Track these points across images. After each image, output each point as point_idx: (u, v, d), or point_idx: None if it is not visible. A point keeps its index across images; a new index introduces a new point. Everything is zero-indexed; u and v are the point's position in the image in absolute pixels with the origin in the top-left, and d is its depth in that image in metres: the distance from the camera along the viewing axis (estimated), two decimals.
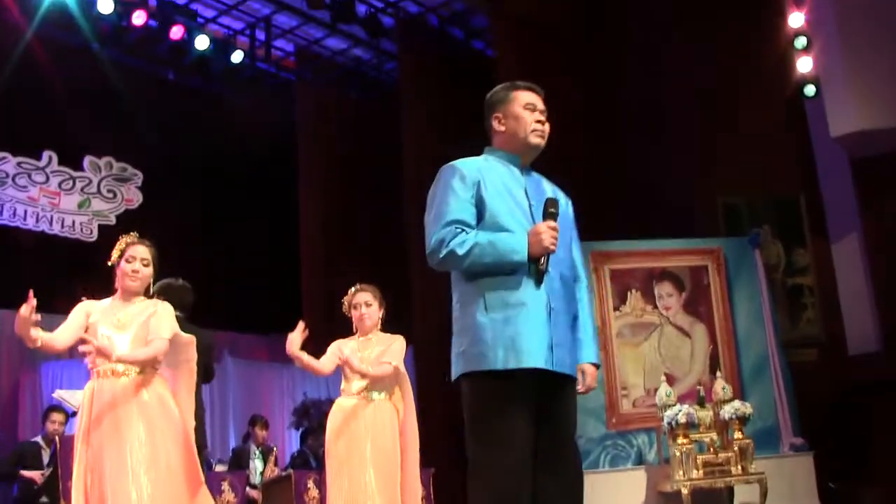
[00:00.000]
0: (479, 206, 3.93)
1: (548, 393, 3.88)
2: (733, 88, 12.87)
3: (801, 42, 12.58)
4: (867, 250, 12.37)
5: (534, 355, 3.79)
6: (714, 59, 13.08)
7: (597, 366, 4.18)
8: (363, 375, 6.91)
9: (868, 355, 12.11)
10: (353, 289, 7.25)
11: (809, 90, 12.49)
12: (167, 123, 14.86)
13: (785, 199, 12.93)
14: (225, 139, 15.49)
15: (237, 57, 14.46)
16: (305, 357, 6.86)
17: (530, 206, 4.04)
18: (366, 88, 16.78)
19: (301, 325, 6.74)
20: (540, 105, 4.26)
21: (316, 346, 14.36)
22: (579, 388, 4.13)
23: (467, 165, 4.04)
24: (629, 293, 11.11)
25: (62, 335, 5.29)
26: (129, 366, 5.32)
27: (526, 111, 4.18)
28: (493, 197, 3.95)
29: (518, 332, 3.79)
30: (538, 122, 4.20)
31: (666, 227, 11.99)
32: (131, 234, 5.68)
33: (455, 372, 3.92)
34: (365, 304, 7.14)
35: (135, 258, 5.53)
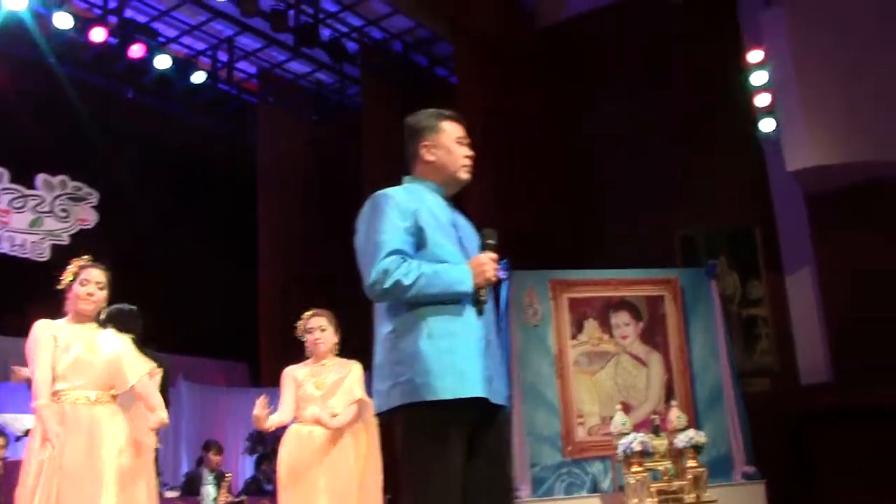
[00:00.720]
0: (418, 236, 3.88)
1: (482, 424, 3.85)
2: (692, 121, 13.04)
3: (759, 78, 12.71)
4: (820, 283, 12.53)
5: (478, 385, 3.77)
6: (673, 93, 13.24)
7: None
8: (331, 428, 6.90)
9: (820, 385, 12.26)
10: (307, 314, 7.25)
11: (767, 125, 12.62)
12: (125, 142, 14.70)
13: (741, 231, 13.08)
14: (184, 160, 15.41)
15: (198, 77, 14.35)
16: (276, 423, 6.86)
17: (459, 237, 4.03)
18: (328, 113, 16.77)
19: (260, 401, 6.70)
20: (467, 138, 4.23)
21: (271, 372, 14.29)
22: None
23: (401, 195, 3.98)
24: (586, 322, 11.16)
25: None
26: (103, 394, 5.33)
27: (457, 144, 4.15)
28: (431, 228, 3.91)
29: (462, 361, 3.76)
30: (467, 157, 4.17)
31: (623, 257, 12.10)
32: (84, 256, 5.68)
33: (389, 403, 3.80)
34: (319, 328, 7.12)
35: (89, 281, 5.54)
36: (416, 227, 3.88)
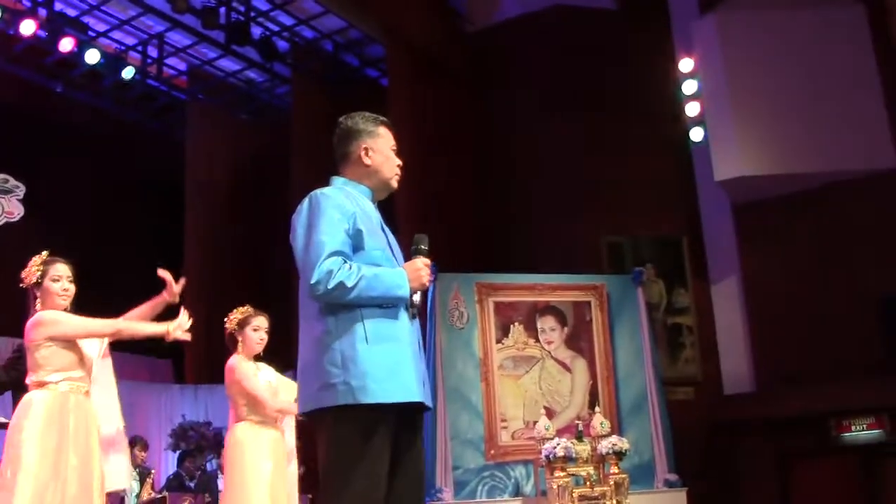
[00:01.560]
0: (356, 238, 3.88)
1: (407, 426, 3.86)
2: (622, 129, 13.10)
3: (689, 87, 12.82)
4: (746, 293, 12.67)
5: (413, 389, 3.79)
6: (603, 100, 13.29)
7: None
8: (285, 413, 6.76)
9: (742, 396, 12.40)
10: (249, 309, 6.97)
11: (697, 134, 12.73)
12: (54, 136, 14.56)
13: (668, 240, 13.18)
14: (113, 155, 15.25)
15: (128, 73, 14.17)
16: (285, 409, 6.70)
17: (388, 242, 4.03)
18: (257, 111, 16.68)
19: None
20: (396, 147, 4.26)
21: (196, 369, 14.14)
22: None
23: (339, 196, 3.96)
24: (512, 326, 11.18)
25: None
26: (88, 386, 5.44)
27: (392, 153, 4.16)
28: (368, 231, 3.91)
29: (399, 365, 3.78)
30: (399, 166, 4.19)
31: (550, 263, 12.15)
32: (43, 252, 5.64)
33: (318, 403, 3.76)
34: (265, 329, 6.98)
35: (60, 276, 5.54)
36: (355, 230, 3.88)
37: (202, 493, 10.55)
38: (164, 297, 5.87)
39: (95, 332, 5.57)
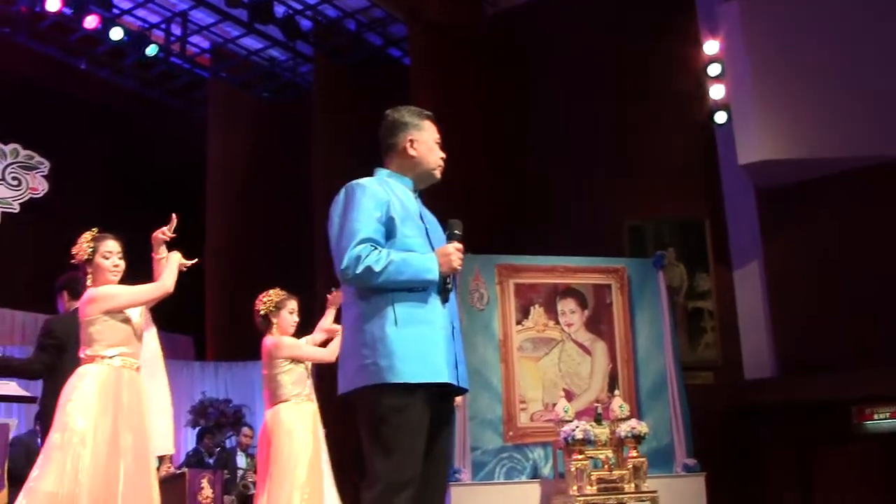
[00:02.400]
0: (389, 226, 4.00)
1: (442, 408, 3.98)
2: (644, 112, 13.02)
3: (714, 69, 12.74)
4: (767, 278, 12.59)
5: (442, 370, 3.88)
6: (626, 81, 13.22)
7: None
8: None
9: (763, 381, 12.33)
10: (282, 292, 7.17)
11: (720, 117, 12.65)
12: (78, 113, 14.63)
13: (690, 224, 13.09)
14: (135, 132, 15.29)
15: (151, 51, 14.23)
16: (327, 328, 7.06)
17: (426, 229, 4.13)
18: (279, 90, 16.71)
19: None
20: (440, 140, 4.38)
21: (216, 346, 14.17)
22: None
23: (374, 185, 4.09)
24: (532, 308, 11.16)
25: None
26: (139, 362, 5.56)
27: (436, 145, 4.30)
28: (401, 219, 4.02)
29: (428, 347, 3.88)
30: (442, 158, 4.32)
31: (571, 245, 12.09)
32: (93, 229, 5.70)
33: (354, 384, 3.90)
34: (297, 312, 7.13)
35: (111, 253, 5.63)
36: (388, 218, 4.00)
37: (221, 469, 10.60)
38: (159, 238, 5.84)
39: (149, 297, 5.66)
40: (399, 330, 3.86)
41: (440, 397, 3.94)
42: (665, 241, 12.80)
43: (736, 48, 12.37)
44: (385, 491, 3.74)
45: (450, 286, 4.01)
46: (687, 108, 13.02)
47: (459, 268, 4.00)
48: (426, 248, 4.02)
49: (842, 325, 11.85)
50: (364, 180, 4.11)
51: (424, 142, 4.25)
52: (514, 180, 13.53)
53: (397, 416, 3.79)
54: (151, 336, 6.16)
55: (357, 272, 3.86)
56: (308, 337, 7.19)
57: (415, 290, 3.93)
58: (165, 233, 5.84)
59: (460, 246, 4.02)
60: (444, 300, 4.00)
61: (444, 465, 4.10)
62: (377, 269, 3.84)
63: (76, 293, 6.13)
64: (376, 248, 3.89)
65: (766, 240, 12.67)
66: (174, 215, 5.91)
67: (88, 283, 5.59)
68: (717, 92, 12.72)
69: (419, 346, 3.86)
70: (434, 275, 3.93)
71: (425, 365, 3.84)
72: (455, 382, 3.94)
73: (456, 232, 4.06)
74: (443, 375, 3.87)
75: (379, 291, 3.92)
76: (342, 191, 4.09)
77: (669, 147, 12.98)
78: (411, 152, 4.23)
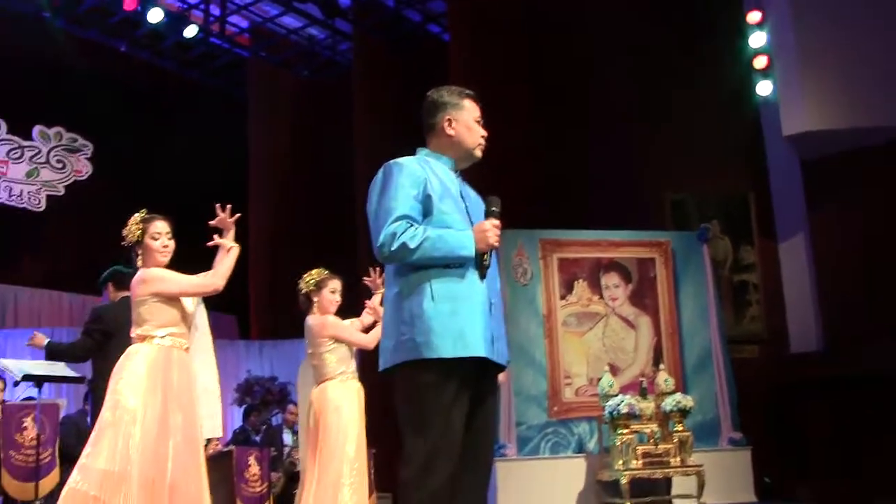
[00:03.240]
0: (426, 204, 4.01)
1: (482, 383, 3.98)
2: (687, 83, 12.88)
3: (757, 39, 12.62)
4: (813, 251, 12.49)
5: (479, 346, 3.88)
6: (669, 52, 13.10)
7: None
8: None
9: (809, 354, 12.24)
10: (324, 272, 7.17)
11: (765, 88, 12.54)
12: (118, 95, 14.71)
13: (734, 196, 13.00)
14: (176, 114, 15.36)
15: (190, 31, 14.27)
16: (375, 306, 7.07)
17: (466, 207, 4.13)
18: (319, 69, 16.71)
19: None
20: (482, 119, 4.37)
21: (260, 325, 14.22)
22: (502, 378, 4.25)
23: (412, 164, 4.10)
24: (576, 282, 11.14)
25: None
26: (188, 343, 5.63)
27: (475, 124, 4.29)
28: (438, 196, 4.03)
29: (465, 323, 3.88)
30: (483, 137, 4.32)
31: (615, 219, 12.02)
32: (142, 210, 5.72)
33: (393, 360, 3.94)
34: (340, 292, 7.13)
35: (161, 234, 5.65)
36: (425, 195, 4.01)
37: (268, 447, 10.66)
38: (228, 223, 5.90)
39: (196, 290, 5.70)
40: (436, 306, 3.87)
41: (480, 373, 3.93)
42: (709, 214, 12.72)
43: (780, 15, 12.25)
44: (420, 469, 3.76)
45: (487, 262, 4.00)
46: (730, 79, 12.91)
47: (496, 244, 4.00)
48: (464, 226, 4.02)
49: (888, 297, 11.72)
50: (402, 159, 4.12)
51: (463, 121, 4.24)
52: (557, 154, 13.45)
53: (432, 393, 3.81)
54: (201, 318, 6.19)
55: (392, 249, 3.88)
56: (355, 319, 7.20)
57: (452, 266, 3.94)
58: (225, 220, 5.85)
59: (497, 222, 4.01)
60: (482, 276, 3.99)
61: (487, 441, 4.09)
62: (412, 245, 3.86)
63: (121, 284, 6.16)
64: (412, 225, 3.91)
65: (811, 212, 12.56)
66: (227, 206, 5.92)
67: (139, 264, 5.62)
68: (760, 62, 12.60)
69: (455, 321, 3.87)
70: (470, 251, 3.93)
71: (461, 340, 3.85)
72: (492, 357, 3.93)
73: (493, 209, 4.06)
74: (479, 350, 3.87)
75: (417, 269, 3.95)
76: (380, 170, 4.11)
77: (713, 119, 12.85)
78: (449, 132, 4.23)
